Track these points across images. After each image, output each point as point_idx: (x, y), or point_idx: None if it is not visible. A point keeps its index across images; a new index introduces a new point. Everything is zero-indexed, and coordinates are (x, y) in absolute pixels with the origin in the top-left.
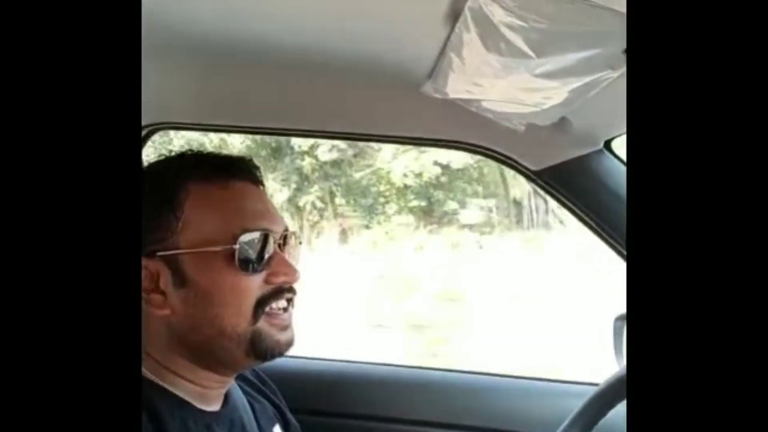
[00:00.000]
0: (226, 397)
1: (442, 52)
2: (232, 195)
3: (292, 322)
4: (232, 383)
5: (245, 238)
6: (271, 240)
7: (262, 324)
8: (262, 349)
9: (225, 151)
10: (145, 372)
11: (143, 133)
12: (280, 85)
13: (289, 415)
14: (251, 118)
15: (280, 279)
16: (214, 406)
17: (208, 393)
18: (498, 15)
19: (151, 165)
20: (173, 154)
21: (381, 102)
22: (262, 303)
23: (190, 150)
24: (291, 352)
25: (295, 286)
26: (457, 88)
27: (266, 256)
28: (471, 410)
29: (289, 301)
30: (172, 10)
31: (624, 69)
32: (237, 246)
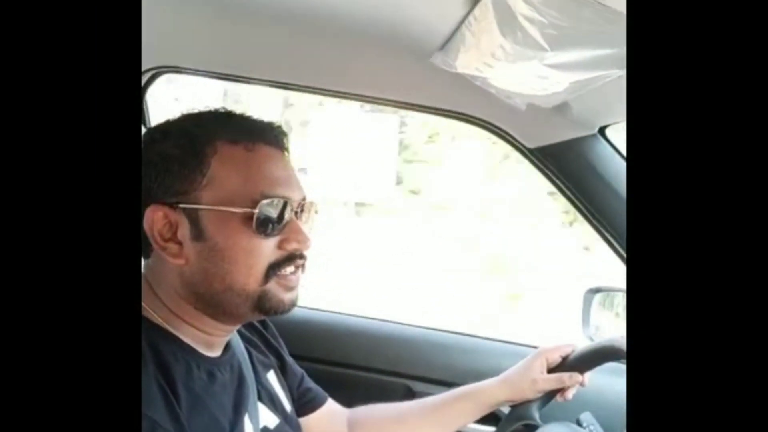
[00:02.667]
0: (227, 344)
1: (457, 29)
2: (257, 158)
3: (298, 284)
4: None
5: (265, 203)
6: (288, 207)
7: (271, 284)
8: (267, 306)
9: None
10: (155, 317)
11: (147, 76)
12: (289, 41)
13: (287, 357)
14: (258, 69)
15: (293, 246)
16: (216, 352)
17: (212, 340)
18: (519, 7)
19: (183, 118)
20: (204, 110)
21: (388, 66)
22: (274, 267)
23: (223, 108)
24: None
25: (306, 252)
26: (466, 64)
27: (282, 222)
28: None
29: (299, 266)
30: None
31: None
32: (256, 210)
